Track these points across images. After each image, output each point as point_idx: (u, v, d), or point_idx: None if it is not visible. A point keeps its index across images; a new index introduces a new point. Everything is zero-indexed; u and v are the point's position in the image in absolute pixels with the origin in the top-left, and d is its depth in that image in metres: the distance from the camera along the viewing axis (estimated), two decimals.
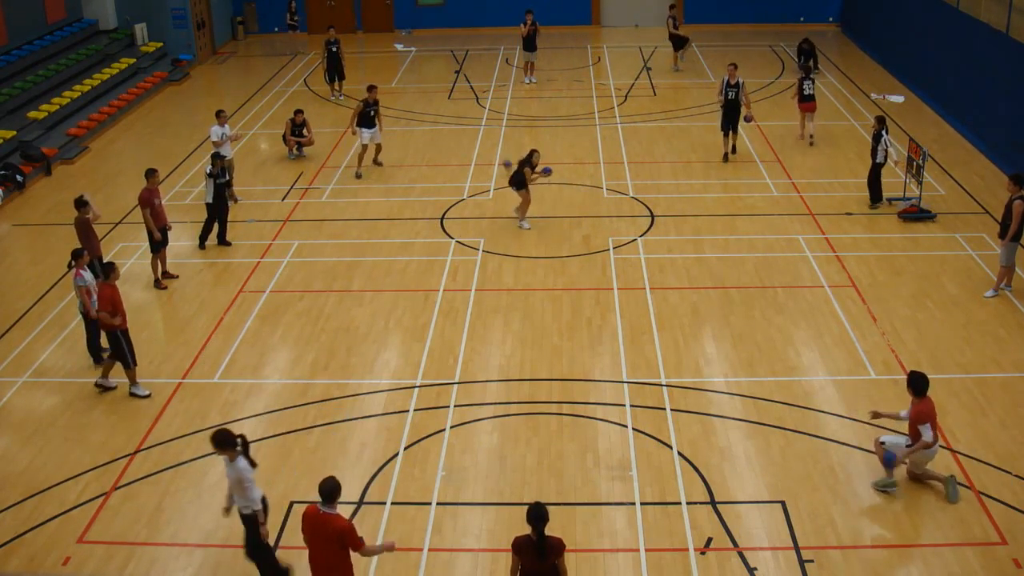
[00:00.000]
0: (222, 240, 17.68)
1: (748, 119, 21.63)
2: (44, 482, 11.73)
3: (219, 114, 19.70)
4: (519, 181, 17.82)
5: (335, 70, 26.54)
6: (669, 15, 28.90)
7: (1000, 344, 14.13)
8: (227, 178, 17.43)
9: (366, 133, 20.87)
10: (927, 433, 10.84)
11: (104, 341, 14.33)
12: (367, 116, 20.79)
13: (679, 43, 28.80)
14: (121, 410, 13.16)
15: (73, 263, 13.74)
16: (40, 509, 11.27)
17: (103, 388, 13.54)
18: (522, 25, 27.37)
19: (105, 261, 13.48)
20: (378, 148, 21.58)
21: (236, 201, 18.06)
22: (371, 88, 21.16)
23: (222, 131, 19.39)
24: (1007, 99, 20.85)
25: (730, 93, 21.20)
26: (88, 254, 14.50)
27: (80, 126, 24.16)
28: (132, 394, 13.36)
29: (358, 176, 20.94)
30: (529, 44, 27.37)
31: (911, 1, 27.17)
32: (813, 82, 22.40)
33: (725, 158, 21.55)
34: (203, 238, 17.64)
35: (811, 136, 22.36)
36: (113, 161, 22.86)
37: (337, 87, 26.93)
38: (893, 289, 15.71)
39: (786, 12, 34.04)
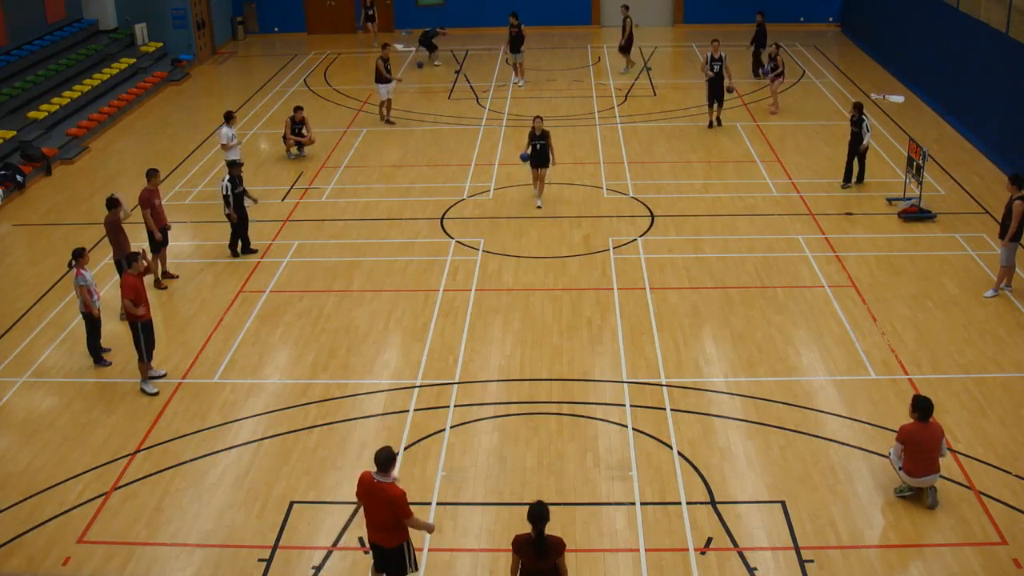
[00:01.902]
0: (246, 249, 17.43)
1: (730, 90, 23.47)
2: (44, 482, 11.73)
3: (228, 115, 19.59)
4: (544, 156, 18.75)
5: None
6: (626, 15, 28.43)
7: (1000, 344, 14.13)
8: (242, 187, 17.31)
9: (383, 88, 24.17)
10: (893, 452, 10.93)
11: (104, 341, 14.37)
12: (387, 71, 24.04)
13: (628, 47, 28.56)
14: (121, 410, 13.16)
15: (74, 263, 13.75)
16: (40, 509, 11.27)
17: (153, 377, 13.64)
18: (509, 27, 27.27)
19: (131, 251, 13.62)
20: (389, 103, 24.63)
21: (256, 202, 17.99)
22: (385, 46, 25.17)
23: (231, 132, 19.26)
24: (1007, 99, 20.85)
25: (715, 66, 22.83)
26: (116, 254, 15.11)
27: (80, 126, 24.16)
28: (141, 390, 13.41)
29: (389, 122, 24.49)
30: (515, 45, 27.25)
31: (911, 1, 27.16)
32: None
33: (710, 125, 23.54)
34: (236, 247, 17.37)
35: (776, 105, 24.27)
36: (113, 161, 22.86)
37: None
38: (893, 289, 15.71)
39: (786, 12, 34.03)
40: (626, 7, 28.78)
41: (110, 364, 14.14)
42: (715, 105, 23.30)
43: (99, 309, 14.04)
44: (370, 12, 32.81)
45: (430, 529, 9.53)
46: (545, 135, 18.59)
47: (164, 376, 13.74)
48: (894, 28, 28.57)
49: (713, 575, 10.06)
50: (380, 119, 24.74)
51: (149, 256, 14.33)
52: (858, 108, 19.47)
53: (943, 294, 15.53)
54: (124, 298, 13.14)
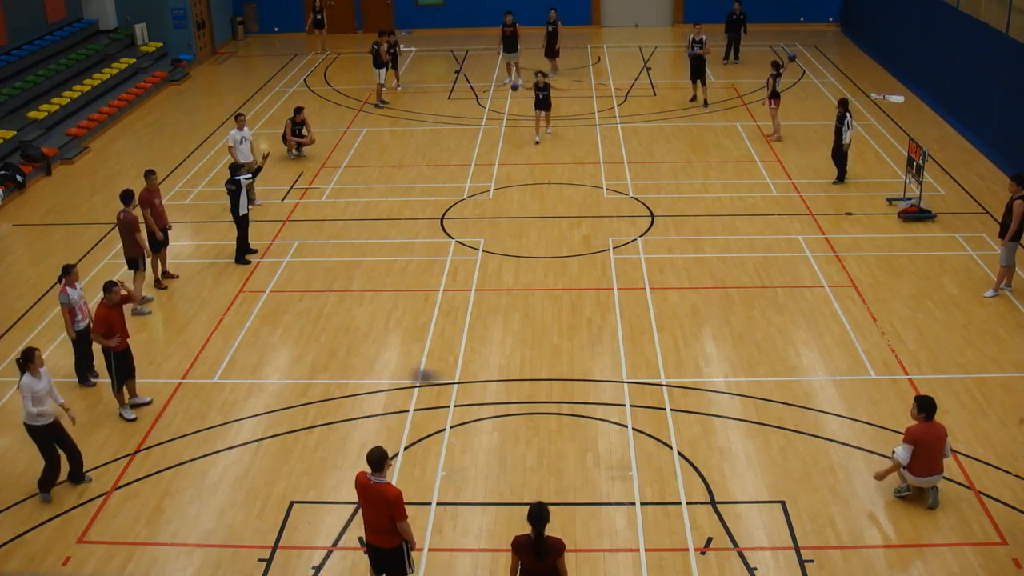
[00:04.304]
0: (247, 251, 17.37)
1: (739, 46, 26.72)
2: None
3: (238, 117, 19.40)
4: (547, 102, 22.46)
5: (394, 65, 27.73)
6: (555, 19, 27.77)
7: (1000, 344, 14.13)
8: (252, 178, 17.36)
9: (381, 73, 26.02)
10: (901, 452, 10.78)
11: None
12: (379, 57, 25.89)
13: (555, 52, 28.16)
14: None
15: (63, 278, 13.21)
16: (40, 509, 11.27)
17: (136, 404, 13.14)
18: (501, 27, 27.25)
19: (107, 281, 12.96)
20: (382, 87, 26.46)
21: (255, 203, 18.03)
22: (381, 33, 26.51)
23: (241, 135, 19.11)
24: (1007, 99, 20.85)
25: (696, 48, 24.76)
26: (128, 252, 15.31)
27: (80, 126, 24.16)
28: (120, 415, 12.98)
29: (384, 102, 26.12)
30: (510, 45, 27.21)
31: (911, 1, 27.16)
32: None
33: (692, 99, 25.40)
34: (244, 256, 17.21)
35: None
36: (113, 161, 22.87)
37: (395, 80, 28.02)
38: (893, 289, 15.71)
39: (786, 12, 34.05)
40: (554, 10, 27.97)
41: (94, 384, 13.74)
42: (698, 82, 25.07)
43: (81, 329, 13.40)
44: (319, 17, 32.16)
45: (413, 545, 9.39)
46: (547, 87, 22.43)
47: (150, 403, 13.20)
48: (894, 28, 28.57)
49: (713, 575, 10.06)
50: (376, 104, 25.90)
51: (129, 286, 13.91)
52: (842, 104, 19.67)
53: (943, 294, 15.53)
54: (94, 332, 12.70)
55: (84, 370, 13.78)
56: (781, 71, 22.71)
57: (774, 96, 22.28)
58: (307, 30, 32.10)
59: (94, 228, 18.85)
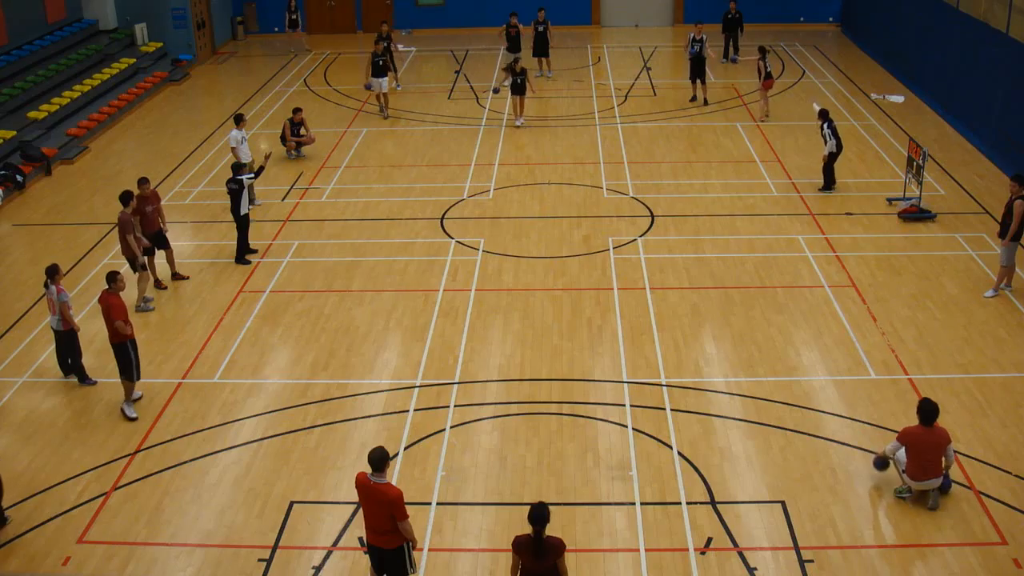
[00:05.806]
0: (248, 251, 17.36)
1: (735, 60, 25.88)
2: (44, 482, 11.73)
3: (239, 119, 19.35)
4: (523, 87, 23.59)
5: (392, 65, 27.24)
6: (542, 20, 27.60)
7: (1000, 344, 14.13)
8: (254, 178, 17.42)
9: (375, 82, 24.91)
10: (889, 447, 10.89)
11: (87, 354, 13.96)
12: (377, 66, 24.71)
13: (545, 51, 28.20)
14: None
15: (49, 281, 13.19)
16: (40, 509, 11.27)
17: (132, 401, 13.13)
18: (504, 26, 27.42)
19: (109, 271, 13.01)
20: (386, 96, 25.23)
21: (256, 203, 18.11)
22: (378, 41, 25.66)
23: (240, 135, 19.06)
24: (1007, 99, 20.85)
25: (695, 47, 24.88)
26: (127, 254, 15.25)
27: (80, 126, 24.16)
28: (122, 411, 12.96)
29: (385, 117, 25.16)
30: (514, 46, 27.31)
31: (911, 1, 27.17)
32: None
33: (693, 99, 25.51)
34: (244, 256, 17.21)
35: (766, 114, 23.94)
36: (113, 161, 22.87)
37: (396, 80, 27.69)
38: (893, 289, 15.72)
39: (786, 12, 34.05)
40: (543, 9, 27.73)
41: (95, 384, 13.73)
42: (698, 82, 25.21)
43: (61, 331, 13.41)
44: (294, 17, 31.97)
45: (415, 544, 9.41)
46: (524, 71, 23.53)
47: (140, 397, 13.21)
48: (894, 28, 28.57)
49: (713, 575, 10.06)
50: (383, 115, 25.19)
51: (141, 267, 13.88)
52: (820, 115, 19.52)
53: (943, 294, 15.53)
54: (116, 320, 12.56)
55: (66, 364, 13.76)
56: (767, 53, 23.57)
57: (767, 77, 23.09)
58: (305, 31, 32.13)
59: (94, 228, 18.85)
